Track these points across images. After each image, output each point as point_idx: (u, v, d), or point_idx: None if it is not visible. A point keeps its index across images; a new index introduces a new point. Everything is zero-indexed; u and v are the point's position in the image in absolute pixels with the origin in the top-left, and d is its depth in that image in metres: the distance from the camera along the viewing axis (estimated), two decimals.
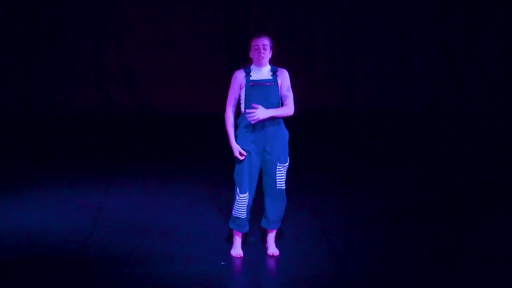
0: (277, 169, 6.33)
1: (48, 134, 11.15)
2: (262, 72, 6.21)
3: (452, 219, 7.38)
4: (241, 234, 6.52)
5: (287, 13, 12.33)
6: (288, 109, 6.20)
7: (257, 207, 6.63)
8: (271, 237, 6.54)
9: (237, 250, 6.48)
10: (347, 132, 11.28)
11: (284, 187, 6.40)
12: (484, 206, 7.77)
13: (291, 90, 6.24)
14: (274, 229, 6.54)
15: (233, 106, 6.26)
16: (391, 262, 6.36)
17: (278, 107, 6.21)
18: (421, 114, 12.16)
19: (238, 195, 6.34)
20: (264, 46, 6.15)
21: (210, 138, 10.92)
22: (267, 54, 6.18)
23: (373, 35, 12.36)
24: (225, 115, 6.27)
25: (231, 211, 6.43)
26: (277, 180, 6.35)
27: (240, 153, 6.19)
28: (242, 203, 6.34)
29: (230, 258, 6.43)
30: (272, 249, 6.50)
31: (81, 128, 11.41)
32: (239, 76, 6.21)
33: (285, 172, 6.36)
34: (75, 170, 9.05)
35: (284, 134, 6.30)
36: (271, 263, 6.41)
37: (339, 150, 10.16)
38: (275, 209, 6.43)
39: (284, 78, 6.23)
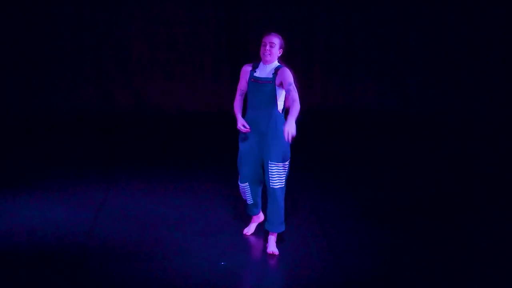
0: (269, 167, 6.35)
1: (48, 134, 11.15)
2: (266, 69, 6.31)
3: (453, 219, 7.39)
4: (256, 217, 6.84)
5: (287, 12, 12.33)
6: (296, 107, 6.08)
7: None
8: (272, 237, 6.55)
9: (249, 229, 6.87)
10: (347, 132, 11.28)
11: (278, 187, 6.37)
12: (484, 206, 7.79)
13: (293, 85, 6.19)
14: (274, 232, 6.53)
15: (241, 95, 6.46)
16: (392, 262, 6.38)
17: (274, 104, 6.28)
18: (420, 115, 12.16)
19: (239, 182, 6.60)
20: (271, 44, 6.25)
21: (210, 137, 10.94)
22: (274, 52, 6.26)
23: (373, 35, 12.37)
24: (234, 102, 6.45)
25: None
26: (269, 177, 6.37)
27: (244, 126, 6.28)
28: (243, 190, 6.60)
29: (231, 256, 6.44)
30: (272, 247, 6.51)
31: (81, 128, 11.41)
32: (245, 70, 6.42)
33: (279, 172, 6.36)
34: (77, 169, 9.05)
35: (277, 132, 6.28)
36: (271, 263, 6.42)
37: (339, 150, 10.17)
38: (269, 208, 6.46)
39: (284, 77, 6.23)
